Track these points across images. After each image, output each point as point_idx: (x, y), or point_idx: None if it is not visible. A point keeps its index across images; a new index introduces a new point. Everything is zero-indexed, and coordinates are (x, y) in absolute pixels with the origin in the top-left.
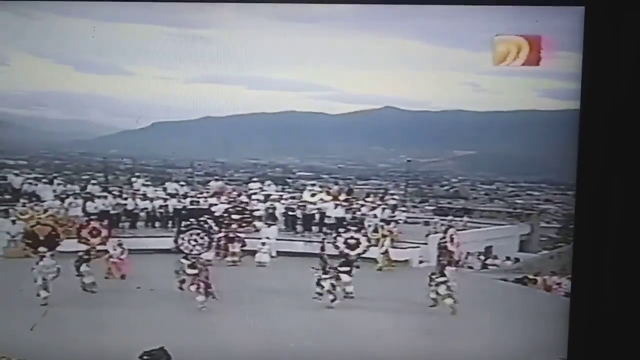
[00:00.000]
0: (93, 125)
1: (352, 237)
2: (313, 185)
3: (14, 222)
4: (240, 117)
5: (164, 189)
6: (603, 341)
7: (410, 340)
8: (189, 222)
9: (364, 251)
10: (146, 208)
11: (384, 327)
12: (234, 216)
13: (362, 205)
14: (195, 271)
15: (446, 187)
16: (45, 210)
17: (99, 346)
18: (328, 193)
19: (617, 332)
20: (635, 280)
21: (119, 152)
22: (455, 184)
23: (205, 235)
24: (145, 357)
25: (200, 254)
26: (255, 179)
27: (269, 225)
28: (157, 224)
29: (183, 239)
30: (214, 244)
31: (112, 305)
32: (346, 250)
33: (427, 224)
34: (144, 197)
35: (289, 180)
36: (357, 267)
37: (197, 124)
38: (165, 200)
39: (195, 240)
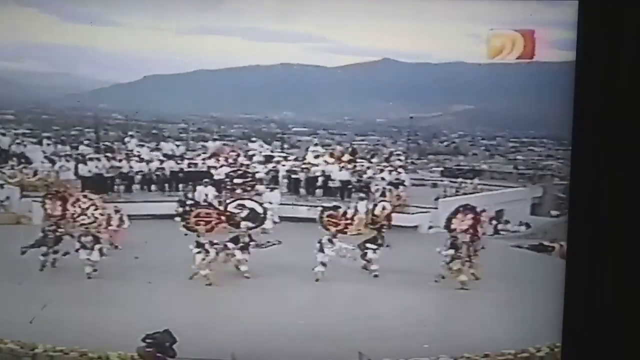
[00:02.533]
0: (81, 79)
1: None
2: (316, 145)
3: (1, 186)
4: (234, 70)
5: (159, 149)
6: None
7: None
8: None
9: None
10: (142, 171)
11: (388, 300)
12: (236, 180)
13: (368, 168)
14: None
15: (446, 143)
16: (35, 173)
17: (101, 325)
18: (332, 155)
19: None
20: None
21: (109, 106)
22: (455, 139)
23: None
24: (148, 341)
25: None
26: (254, 139)
27: (272, 189)
28: (153, 188)
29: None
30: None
31: (109, 281)
32: None
33: (434, 185)
34: (140, 159)
35: (285, 136)
36: None
37: (189, 77)
38: (161, 162)
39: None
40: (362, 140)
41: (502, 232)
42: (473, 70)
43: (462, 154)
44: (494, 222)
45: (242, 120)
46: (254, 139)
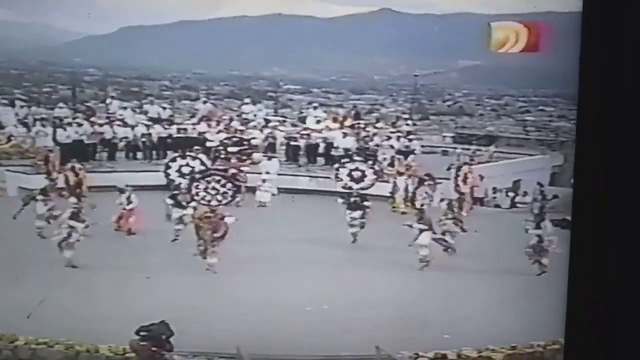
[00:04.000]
0: (54, 30)
1: None
2: (315, 108)
3: None
4: (220, 22)
5: (145, 113)
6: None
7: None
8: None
9: None
10: (126, 137)
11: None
12: (230, 149)
13: (374, 134)
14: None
15: (449, 103)
16: (9, 139)
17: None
18: (335, 120)
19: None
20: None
21: (84, 61)
22: (460, 98)
23: (228, 182)
24: (142, 333)
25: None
26: (247, 100)
27: (269, 158)
28: (139, 155)
29: (198, 187)
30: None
31: (99, 269)
32: None
33: (445, 153)
34: (123, 123)
35: (276, 95)
36: None
37: (171, 29)
38: (147, 127)
39: (216, 189)
40: (359, 100)
41: (519, 205)
42: (480, 22)
43: (468, 115)
44: (511, 193)
45: (230, 77)
46: (247, 100)
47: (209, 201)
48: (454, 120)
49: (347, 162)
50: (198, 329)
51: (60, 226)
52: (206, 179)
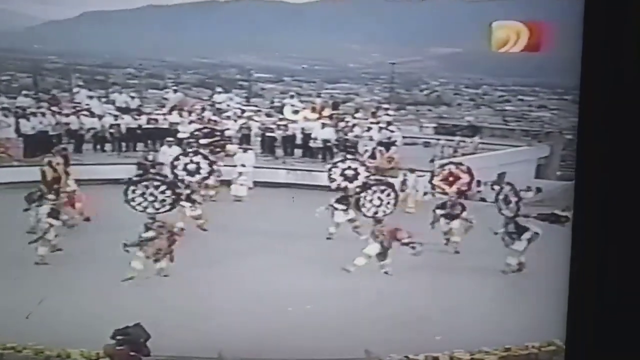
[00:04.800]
0: (13, 15)
1: None
2: (292, 97)
3: None
4: (188, 6)
5: (112, 102)
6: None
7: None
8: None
9: None
10: (93, 127)
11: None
12: (202, 141)
13: (354, 125)
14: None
15: (426, 92)
16: None
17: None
18: (313, 110)
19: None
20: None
21: (45, 47)
22: (437, 87)
23: (168, 189)
24: (119, 337)
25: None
26: (220, 89)
27: (245, 150)
28: (107, 147)
29: (135, 192)
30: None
31: (69, 267)
32: None
33: (427, 145)
34: (90, 113)
35: (247, 83)
36: None
37: (136, 14)
38: (116, 117)
39: (154, 195)
40: (333, 89)
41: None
42: (460, 6)
43: (446, 104)
44: (496, 187)
45: (198, 65)
46: (219, 89)
47: (145, 208)
48: (431, 110)
49: (339, 161)
50: (176, 331)
51: (38, 222)
52: (144, 183)
